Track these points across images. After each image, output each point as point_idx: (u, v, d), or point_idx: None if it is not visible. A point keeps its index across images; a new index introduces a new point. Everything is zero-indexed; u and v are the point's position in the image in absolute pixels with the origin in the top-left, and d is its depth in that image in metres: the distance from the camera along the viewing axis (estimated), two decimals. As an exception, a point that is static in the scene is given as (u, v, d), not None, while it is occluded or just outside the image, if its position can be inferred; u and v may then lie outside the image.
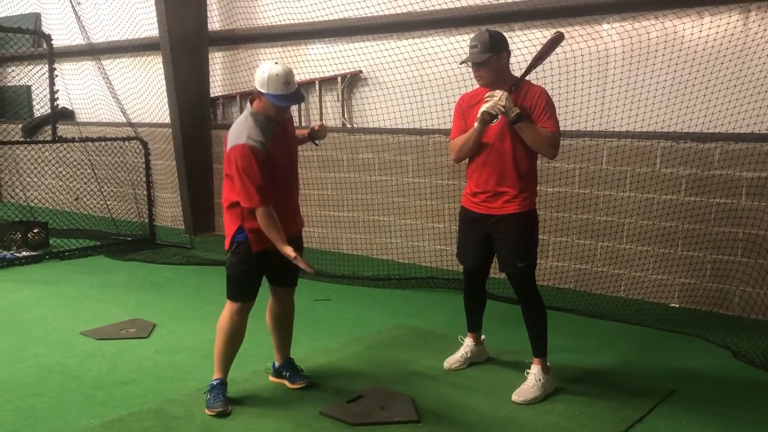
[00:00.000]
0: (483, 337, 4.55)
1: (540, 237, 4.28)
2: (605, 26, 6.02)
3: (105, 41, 9.43)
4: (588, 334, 5.17)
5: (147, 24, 8.53)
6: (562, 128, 4.07)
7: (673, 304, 5.83)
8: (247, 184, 3.62)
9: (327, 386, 4.17)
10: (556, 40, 4.00)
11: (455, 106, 4.18)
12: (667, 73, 5.72)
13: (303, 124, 8.11)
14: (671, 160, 5.70)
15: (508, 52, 3.96)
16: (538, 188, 4.11)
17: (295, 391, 4.11)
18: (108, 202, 9.45)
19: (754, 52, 5.34)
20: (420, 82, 6.93)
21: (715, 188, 5.53)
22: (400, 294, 6.28)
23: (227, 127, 8.48)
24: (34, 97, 10.80)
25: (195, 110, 8.63)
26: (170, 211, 9.33)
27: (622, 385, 4.21)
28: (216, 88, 8.96)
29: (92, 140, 8.43)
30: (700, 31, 5.51)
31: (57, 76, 7.95)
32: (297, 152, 4.06)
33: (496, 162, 3.95)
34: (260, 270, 3.92)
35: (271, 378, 4.27)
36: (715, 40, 5.45)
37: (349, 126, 7.79)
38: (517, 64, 4.60)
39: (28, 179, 9.97)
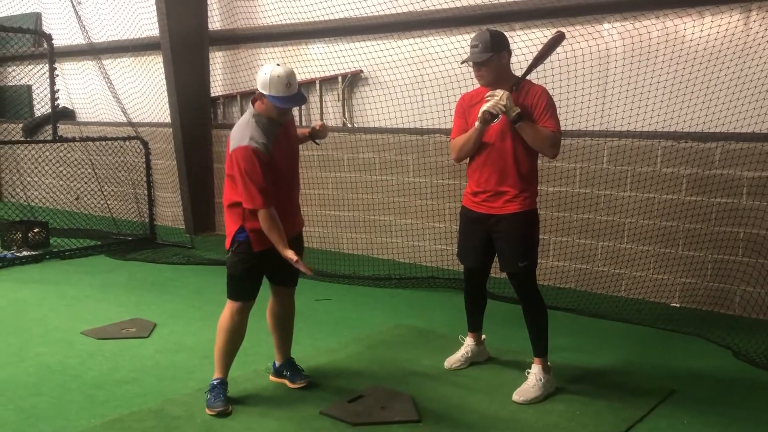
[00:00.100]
0: (484, 336, 4.55)
1: (541, 237, 4.27)
2: (606, 26, 6.02)
3: (105, 41, 9.43)
4: (589, 333, 5.17)
5: (147, 24, 8.53)
6: (562, 128, 4.06)
7: (674, 304, 5.83)
8: (250, 186, 3.62)
9: (327, 386, 4.17)
10: (557, 40, 4.00)
11: (456, 105, 4.18)
12: (668, 73, 5.71)
13: (304, 123, 8.11)
14: (672, 159, 5.69)
15: (509, 52, 3.96)
16: (538, 188, 4.11)
17: (296, 391, 4.11)
18: (108, 202, 9.46)
19: (755, 52, 5.34)
20: (420, 82, 6.93)
21: (716, 188, 5.53)
22: (401, 294, 6.28)
23: (228, 126, 8.59)
24: (34, 96, 10.80)
25: (195, 110, 8.63)
26: (171, 211, 9.34)
27: (622, 385, 4.21)
28: (216, 88, 8.96)
29: (93, 140, 8.43)
30: (701, 31, 5.50)
31: (57, 75, 7.95)
32: (298, 153, 4.07)
33: (497, 161, 3.95)
34: (261, 269, 3.92)
35: (271, 377, 4.27)
36: (716, 39, 5.44)
37: (349, 125, 7.79)
38: (518, 64, 4.60)
39: (28, 179, 9.98)
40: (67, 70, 10.12)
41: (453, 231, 6.55)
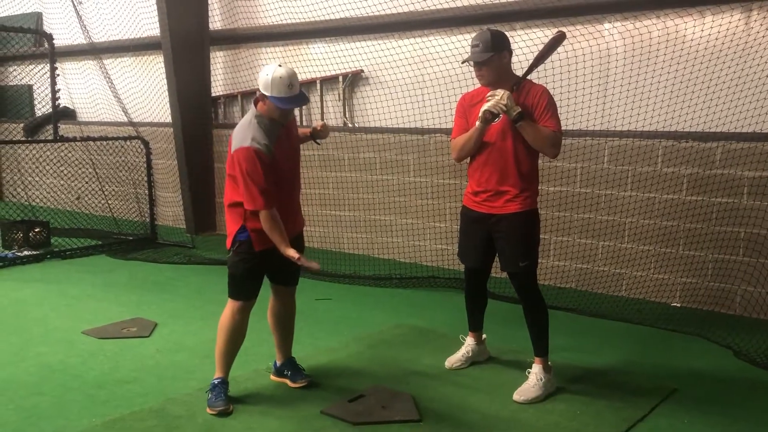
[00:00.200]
0: (484, 336, 4.55)
1: (541, 236, 4.27)
2: (607, 26, 6.02)
3: (106, 40, 9.44)
4: (589, 333, 5.17)
5: (148, 23, 8.53)
6: (563, 127, 4.06)
7: (675, 304, 5.83)
8: (251, 186, 3.62)
9: (328, 385, 4.18)
10: (558, 40, 4.00)
11: (456, 105, 4.18)
12: (668, 73, 5.71)
13: (305, 123, 8.11)
14: (673, 159, 5.69)
15: (510, 52, 3.96)
16: (539, 187, 4.10)
17: (297, 390, 4.11)
18: (109, 202, 9.46)
19: (756, 51, 5.34)
20: (421, 82, 6.93)
21: (716, 188, 5.52)
22: (402, 293, 6.28)
23: (228, 126, 8.60)
24: (35, 96, 10.80)
25: (196, 109, 8.63)
26: (171, 211, 9.34)
27: (623, 385, 4.21)
28: (217, 88, 8.96)
29: (94, 139, 8.43)
30: (702, 31, 5.50)
31: (58, 75, 7.95)
32: (300, 154, 4.07)
33: (498, 161, 3.95)
34: (262, 269, 3.92)
35: (272, 377, 4.28)
36: (716, 39, 5.44)
37: (350, 125, 7.79)
38: (519, 64, 4.60)
39: (29, 178, 9.98)
40: (67, 69, 10.13)
41: (454, 231, 6.55)
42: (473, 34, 3.99)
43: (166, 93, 8.63)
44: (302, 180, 4.17)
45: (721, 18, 5.44)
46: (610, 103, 5.96)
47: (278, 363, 4.26)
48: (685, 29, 5.61)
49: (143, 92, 9.14)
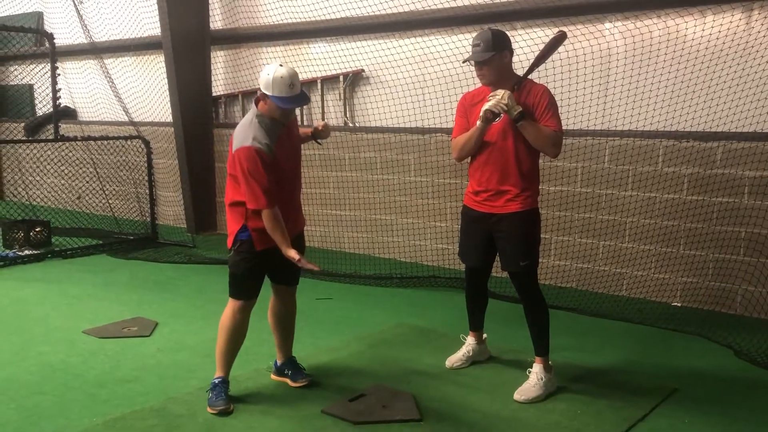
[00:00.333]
0: (485, 335, 4.55)
1: (542, 236, 4.28)
2: (607, 25, 6.02)
3: (107, 40, 9.44)
4: (590, 333, 5.17)
5: (149, 23, 8.53)
6: (564, 127, 4.06)
7: (676, 303, 5.83)
8: (253, 186, 3.63)
9: (329, 385, 4.18)
10: (559, 39, 4.00)
11: (457, 104, 4.18)
12: (669, 72, 5.71)
13: (305, 122, 8.11)
14: (673, 159, 5.69)
15: (511, 51, 3.96)
16: (540, 187, 4.10)
17: (297, 390, 4.11)
18: (110, 201, 9.46)
19: (757, 51, 5.34)
20: (422, 81, 6.93)
21: (717, 187, 5.52)
22: (402, 293, 6.28)
23: (229, 126, 8.61)
24: (36, 95, 10.81)
25: (197, 109, 8.63)
26: (172, 210, 9.34)
27: (624, 384, 4.21)
28: (218, 87, 8.96)
29: (94, 139, 8.44)
30: (703, 30, 5.50)
31: (59, 74, 7.95)
32: (301, 153, 4.07)
33: (499, 160, 3.95)
34: (263, 268, 3.93)
35: (273, 376, 4.28)
36: (717, 39, 5.44)
37: (351, 125, 7.79)
38: (520, 63, 4.60)
39: (30, 178, 9.98)
40: (68, 69, 10.13)
41: (454, 230, 6.55)
42: (474, 34, 3.99)
43: (167, 92, 8.63)
44: (303, 179, 4.17)
45: (722, 18, 5.43)
46: (610, 103, 5.96)
47: (279, 362, 4.26)
48: (686, 29, 5.61)
49: (144, 92, 9.14)
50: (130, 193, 9.48)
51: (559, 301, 5.69)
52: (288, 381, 4.19)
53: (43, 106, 9.55)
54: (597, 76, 5.98)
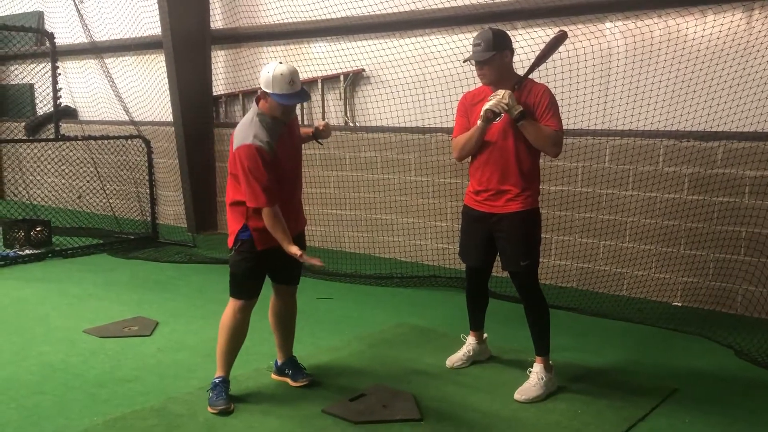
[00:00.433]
0: (485, 335, 4.55)
1: (542, 235, 4.27)
2: (608, 25, 6.02)
3: (108, 39, 9.44)
4: (590, 332, 5.17)
5: (150, 22, 8.53)
6: (564, 127, 4.06)
7: (676, 303, 5.82)
8: (254, 184, 3.63)
9: (329, 384, 4.18)
10: (559, 39, 4.00)
11: (458, 104, 4.18)
12: (670, 72, 5.71)
13: (305, 122, 8.11)
14: (674, 158, 5.69)
15: (512, 51, 3.96)
16: (540, 187, 4.10)
17: (298, 389, 4.11)
18: (111, 201, 9.46)
19: (758, 51, 5.33)
20: (422, 81, 6.93)
21: (718, 187, 5.52)
22: (403, 292, 6.28)
23: (230, 125, 8.60)
24: (36, 95, 10.80)
25: (198, 108, 8.63)
26: (173, 210, 9.34)
27: (624, 384, 4.21)
28: (218, 87, 8.96)
29: (95, 138, 8.44)
30: (703, 30, 5.50)
31: (60, 74, 7.96)
32: (302, 152, 4.07)
33: (499, 160, 3.95)
34: (264, 268, 3.92)
35: (273, 376, 4.28)
36: (718, 38, 5.44)
37: (351, 124, 7.79)
38: (520, 63, 4.60)
39: (31, 177, 9.98)
40: (69, 68, 10.12)
41: (455, 230, 6.55)
42: (474, 33, 3.99)
43: (168, 92, 8.64)
44: (304, 179, 4.17)
45: (722, 17, 5.43)
46: (611, 103, 5.96)
47: (279, 362, 4.26)
48: (687, 28, 5.60)
49: (144, 91, 9.14)
50: (131, 192, 9.48)
51: (560, 301, 5.69)
52: (288, 380, 4.19)
53: (43, 106, 9.54)
54: (597, 76, 5.98)
